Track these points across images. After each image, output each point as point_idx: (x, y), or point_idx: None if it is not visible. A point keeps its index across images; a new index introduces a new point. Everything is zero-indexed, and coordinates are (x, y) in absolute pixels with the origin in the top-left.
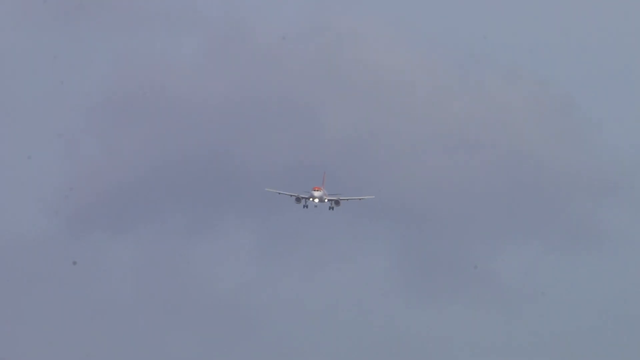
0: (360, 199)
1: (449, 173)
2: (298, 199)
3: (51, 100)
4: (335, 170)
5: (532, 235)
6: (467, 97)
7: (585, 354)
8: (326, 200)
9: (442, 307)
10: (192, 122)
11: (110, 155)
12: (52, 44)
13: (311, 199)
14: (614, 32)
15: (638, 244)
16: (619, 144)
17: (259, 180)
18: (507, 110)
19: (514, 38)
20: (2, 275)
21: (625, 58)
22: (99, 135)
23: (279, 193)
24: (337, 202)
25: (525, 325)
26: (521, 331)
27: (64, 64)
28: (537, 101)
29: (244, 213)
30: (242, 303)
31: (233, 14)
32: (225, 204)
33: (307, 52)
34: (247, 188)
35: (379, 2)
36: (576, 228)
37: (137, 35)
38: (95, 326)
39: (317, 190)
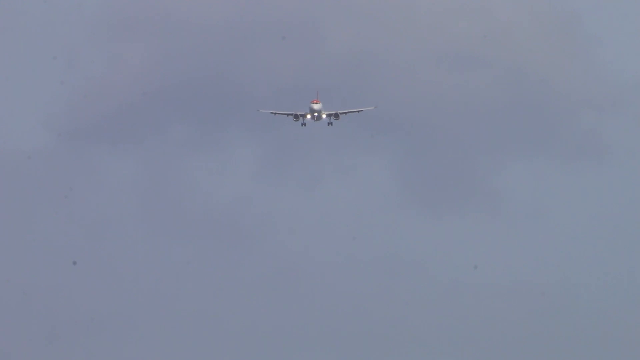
0: (359, 110)
1: (451, 88)
2: (296, 117)
3: (54, 15)
4: (335, 88)
5: (535, 149)
6: (470, 11)
7: (587, 268)
8: (324, 116)
9: (443, 221)
10: (193, 39)
11: (113, 71)
12: None
13: (308, 116)
14: None
15: None
16: (622, 59)
17: (259, 97)
18: (510, 25)
19: None
20: (9, 186)
21: None
22: (102, 50)
23: (274, 113)
24: (336, 116)
25: (527, 239)
26: (523, 245)
27: None
28: (540, 16)
29: (245, 131)
30: (244, 218)
31: None
32: (225, 122)
33: None
34: (248, 106)
35: None
36: (579, 143)
37: None
38: (96, 237)
39: (316, 103)
